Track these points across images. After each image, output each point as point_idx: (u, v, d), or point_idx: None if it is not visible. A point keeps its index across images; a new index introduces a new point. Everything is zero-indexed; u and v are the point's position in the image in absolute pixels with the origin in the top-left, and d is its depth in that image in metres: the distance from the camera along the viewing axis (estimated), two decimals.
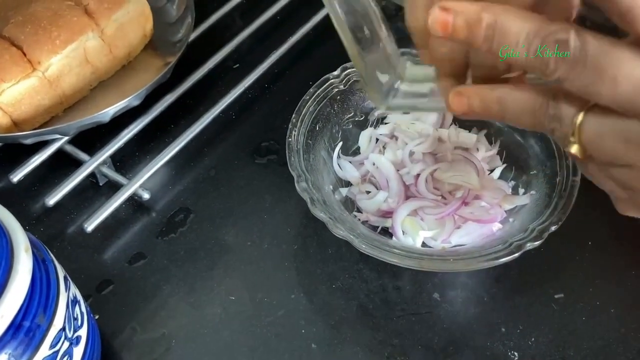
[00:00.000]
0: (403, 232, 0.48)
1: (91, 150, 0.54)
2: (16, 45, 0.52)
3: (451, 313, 0.47)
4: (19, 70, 0.51)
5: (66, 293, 0.37)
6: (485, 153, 0.52)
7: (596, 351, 0.44)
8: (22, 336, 0.33)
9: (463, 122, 0.54)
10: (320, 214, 0.44)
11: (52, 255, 0.38)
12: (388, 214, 0.49)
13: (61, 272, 0.38)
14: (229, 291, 0.48)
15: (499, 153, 0.52)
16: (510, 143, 0.52)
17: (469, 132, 0.53)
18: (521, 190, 0.50)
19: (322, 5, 0.66)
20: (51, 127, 0.52)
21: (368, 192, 0.51)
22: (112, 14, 0.56)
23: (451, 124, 0.54)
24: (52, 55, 0.52)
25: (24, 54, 0.52)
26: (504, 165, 0.52)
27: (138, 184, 0.52)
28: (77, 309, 0.38)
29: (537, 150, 0.49)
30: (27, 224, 0.52)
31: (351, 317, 0.46)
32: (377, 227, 0.49)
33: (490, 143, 0.53)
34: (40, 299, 0.35)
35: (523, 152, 0.50)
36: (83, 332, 0.39)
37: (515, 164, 0.51)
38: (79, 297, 0.40)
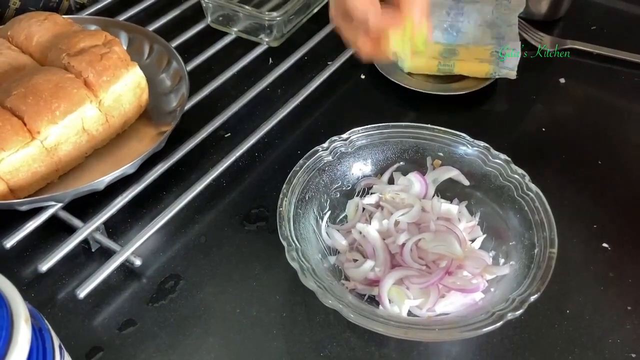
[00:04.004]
0: (389, 300, 0.49)
1: (84, 217, 0.55)
2: (17, 116, 0.54)
3: None
4: (19, 140, 0.53)
5: None
6: (466, 223, 0.54)
7: None
8: None
9: (444, 193, 0.57)
10: (310, 284, 0.45)
11: (48, 324, 0.39)
12: (375, 283, 0.50)
13: (56, 341, 0.38)
14: (218, 359, 0.48)
15: (480, 224, 0.55)
16: (490, 214, 0.54)
17: (451, 203, 0.56)
18: (501, 260, 0.52)
19: (308, 80, 0.70)
20: (47, 195, 0.53)
21: (355, 260, 0.53)
22: (111, 86, 0.59)
23: (434, 195, 0.57)
24: (51, 125, 0.54)
25: (25, 124, 0.54)
26: (484, 235, 0.54)
27: (130, 250, 0.53)
28: None
29: (516, 223, 0.51)
30: (19, 290, 0.51)
31: None
32: (364, 295, 0.51)
33: (471, 214, 0.55)
34: None
35: (502, 224, 0.53)
36: None
37: (495, 234, 0.53)
38: None
